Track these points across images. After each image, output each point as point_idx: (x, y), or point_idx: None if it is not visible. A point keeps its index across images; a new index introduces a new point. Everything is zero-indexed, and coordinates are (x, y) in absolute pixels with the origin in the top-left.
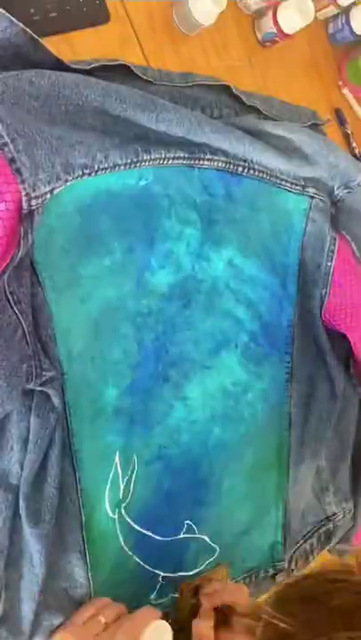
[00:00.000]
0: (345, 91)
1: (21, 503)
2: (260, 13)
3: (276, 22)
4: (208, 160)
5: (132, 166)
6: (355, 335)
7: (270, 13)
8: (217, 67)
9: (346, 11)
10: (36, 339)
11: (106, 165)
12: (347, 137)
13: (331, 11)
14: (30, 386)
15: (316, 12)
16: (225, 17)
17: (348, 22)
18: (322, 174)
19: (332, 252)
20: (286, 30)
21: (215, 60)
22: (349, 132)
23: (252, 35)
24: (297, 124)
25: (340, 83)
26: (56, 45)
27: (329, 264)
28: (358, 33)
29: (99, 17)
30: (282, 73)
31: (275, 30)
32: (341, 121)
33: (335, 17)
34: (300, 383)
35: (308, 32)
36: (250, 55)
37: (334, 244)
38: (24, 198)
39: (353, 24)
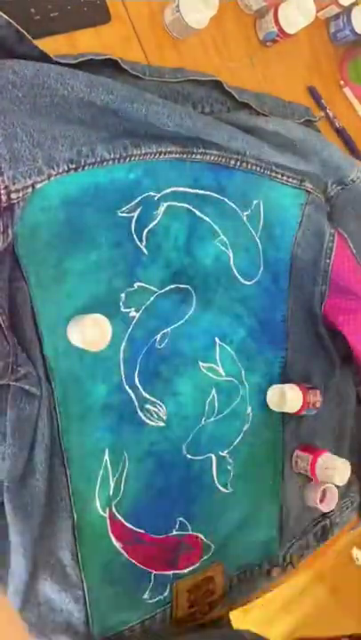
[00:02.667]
0: (346, 90)
1: (5, 498)
2: (261, 13)
3: (277, 22)
4: (201, 154)
5: (121, 161)
6: (353, 335)
7: (271, 13)
8: (218, 66)
9: (347, 10)
10: (14, 334)
11: (93, 160)
12: (327, 117)
13: (332, 10)
14: (4, 381)
15: (318, 11)
16: (226, 16)
17: (349, 22)
18: (315, 170)
19: (331, 249)
20: (287, 30)
21: (216, 59)
22: (330, 113)
23: (253, 34)
24: (290, 120)
25: (342, 82)
26: (57, 45)
27: (328, 261)
28: (359, 32)
29: (99, 17)
30: (283, 72)
31: (276, 30)
32: (317, 99)
33: (336, 16)
34: (295, 379)
35: (310, 31)
36: (251, 55)
37: (333, 241)
38: (3, 191)
39: (354, 23)
